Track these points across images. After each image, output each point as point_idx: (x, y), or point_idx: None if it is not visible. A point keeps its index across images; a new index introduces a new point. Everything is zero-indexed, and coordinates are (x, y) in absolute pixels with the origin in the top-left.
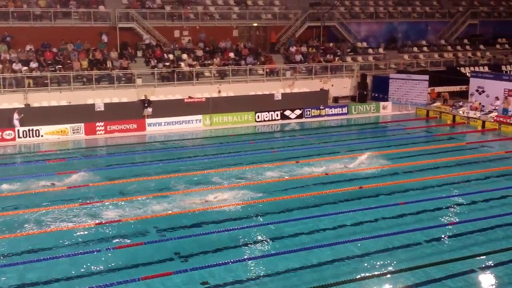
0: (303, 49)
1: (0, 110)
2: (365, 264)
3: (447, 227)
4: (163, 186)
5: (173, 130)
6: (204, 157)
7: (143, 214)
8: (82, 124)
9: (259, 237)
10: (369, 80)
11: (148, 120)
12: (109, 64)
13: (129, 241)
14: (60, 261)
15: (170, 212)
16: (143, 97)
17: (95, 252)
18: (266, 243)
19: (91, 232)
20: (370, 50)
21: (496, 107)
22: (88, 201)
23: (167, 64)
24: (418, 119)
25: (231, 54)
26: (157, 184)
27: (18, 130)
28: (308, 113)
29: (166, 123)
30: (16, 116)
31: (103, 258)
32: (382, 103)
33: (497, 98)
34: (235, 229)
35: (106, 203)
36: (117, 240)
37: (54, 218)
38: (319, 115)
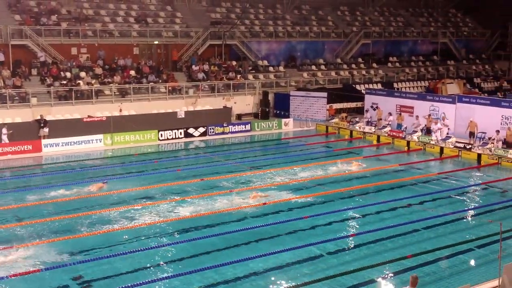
0: (206, 67)
1: None
2: (270, 280)
3: (348, 239)
4: (61, 209)
5: (72, 150)
6: (105, 177)
7: (40, 239)
8: None
9: (170, 258)
10: (270, 97)
11: (44, 141)
12: (0, 82)
13: (25, 268)
14: None
15: (70, 235)
16: (38, 117)
17: None
18: (175, 263)
19: None
20: (271, 68)
21: (390, 122)
22: None
23: (64, 82)
24: (318, 134)
25: (132, 72)
26: (55, 208)
27: None
28: (212, 130)
29: (64, 144)
30: (4, 131)
31: None
32: (284, 120)
33: (390, 114)
34: (138, 250)
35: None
36: (12, 267)
37: None
38: (223, 133)
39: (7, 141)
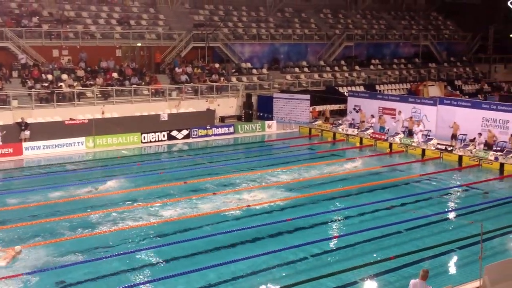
0: (189, 69)
1: None
2: (254, 282)
3: (333, 240)
4: (42, 213)
5: (53, 153)
6: (87, 181)
7: (22, 243)
8: None
9: (155, 261)
10: (254, 99)
11: (25, 144)
12: None
13: (6, 272)
14: None
15: (52, 239)
16: (19, 120)
17: None
18: (161, 266)
19: None
20: (254, 71)
21: (372, 124)
22: None
23: (46, 84)
24: (302, 137)
25: (115, 74)
26: (37, 211)
27: None
28: (195, 133)
29: (45, 147)
30: None
31: None
32: (267, 122)
33: (372, 116)
34: (122, 253)
35: None
36: None
37: None
38: (206, 135)
39: (0, 142)
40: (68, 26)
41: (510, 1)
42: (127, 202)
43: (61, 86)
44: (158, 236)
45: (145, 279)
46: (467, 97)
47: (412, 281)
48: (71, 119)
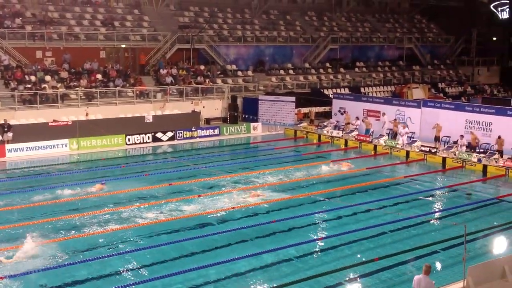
0: (174, 71)
1: None
2: (239, 284)
3: (317, 242)
4: (26, 216)
5: (36, 155)
6: (71, 183)
7: (4, 246)
8: None
9: (148, 261)
10: (239, 101)
11: (8, 146)
12: None
13: None
14: None
15: (44, 241)
16: (2, 121)
17: None
18: (155, 266)
19: None
20: (240, 73)
21: (357, 127)
22: None
23: (29, 86)
24: (287, 139)
25: (99, 76)
26: (20, 214)
27: None
28: (180, 135)
29: (28, 148)
30: None
31: None
32: (252, 124)
33: (357, 118)
34: (112, 255)
35: None
36: None
37: None
38: (191, 137)
39: None
40: (52, 27)
41: (492, 5)
42: (111, 204)
43: (44, 87)
44: (144, 238)
45: (139, 280)
46: (450, 99)
47: (416, 277)
48: (54, 120)
